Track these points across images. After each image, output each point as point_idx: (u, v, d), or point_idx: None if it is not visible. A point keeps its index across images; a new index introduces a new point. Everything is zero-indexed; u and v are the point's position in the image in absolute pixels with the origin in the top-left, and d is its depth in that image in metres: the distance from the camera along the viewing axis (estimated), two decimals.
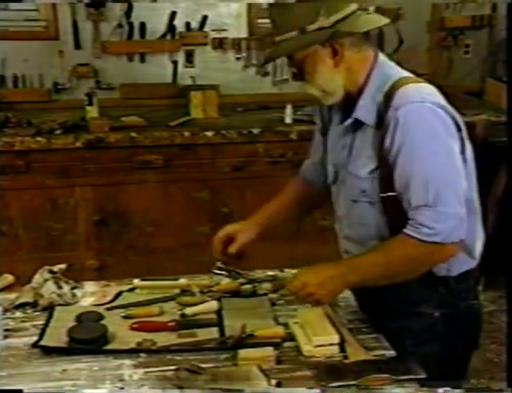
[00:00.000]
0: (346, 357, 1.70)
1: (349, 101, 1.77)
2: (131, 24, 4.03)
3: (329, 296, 1.74)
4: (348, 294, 1.96)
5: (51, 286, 2.02)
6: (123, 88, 4.10)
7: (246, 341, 1.74)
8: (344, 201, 1.87)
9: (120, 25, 4.04)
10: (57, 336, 1.80)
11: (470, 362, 1.94)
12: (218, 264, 2.12)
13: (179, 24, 4.09)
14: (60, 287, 2.03)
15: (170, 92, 4.11)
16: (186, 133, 3.53)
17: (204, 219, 3.61)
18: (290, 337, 1.78)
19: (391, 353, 1.72)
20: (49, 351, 1.75)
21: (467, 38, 4.40)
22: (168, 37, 4.10)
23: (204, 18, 4.09)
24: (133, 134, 3.50)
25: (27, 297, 2.02)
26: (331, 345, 1.72)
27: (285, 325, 1.83)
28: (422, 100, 1.65)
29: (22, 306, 2.00)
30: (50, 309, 1.97)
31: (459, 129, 1.70)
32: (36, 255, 3.34)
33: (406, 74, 1.77)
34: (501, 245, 3.15)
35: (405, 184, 1.66)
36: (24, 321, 1.93)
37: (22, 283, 2.12)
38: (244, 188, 3.58)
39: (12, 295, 2.05)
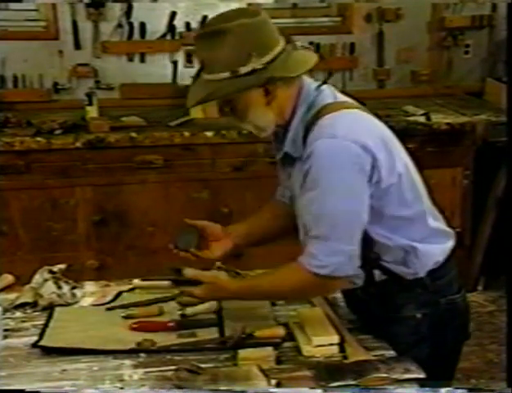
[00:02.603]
0: (346, 357, 1.70)
1: (282, 135, 1.80)
2: (131, 24, 4.02)
3: (206, 296, 1.83)
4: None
5: (50, 287, 2.02)
6: (122, 88, 4.09)
7: (246, 341, 1.74)
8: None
9: (120, 25, 4.03)
10: (57, 337, 1.80)
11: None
12: (218, 264, 2.12)
13: (179, 24, 4.08)
14: (59, 287, 2.03)
15: (170, 92, 4.10)
16: (186, 133, 3.52)
17: (204, 219, 3.60)
18: (290, 337, 1.78)
19: (391, 353, 1.72)
20: (49, 351, 1.75)
21: (467, 38, 4.39)
22: (168, 37, 4.09)
23: (204, 18, 4.07)
24: (133, 134, 3.50)
25: (27, 297, 2.02)
26: (331, 345, 1.73)
27: (285, 325, 1.83)
28: (333, 135, 1.64)
29: (22, 306, 2.00)
30: (50, 309, 1.97)
31: (375, 160, 1.65)
32: (36, 255, 3.33)
33: (330, 99, 1.74)
34: (501, 245, 3.15)
35: (303, 209, 1.70)
36: (24, 321, 1.94)
37: (22, 283, 2.12)
38: (244, 188, 3.57)
39: (12, 295, 2.06)
